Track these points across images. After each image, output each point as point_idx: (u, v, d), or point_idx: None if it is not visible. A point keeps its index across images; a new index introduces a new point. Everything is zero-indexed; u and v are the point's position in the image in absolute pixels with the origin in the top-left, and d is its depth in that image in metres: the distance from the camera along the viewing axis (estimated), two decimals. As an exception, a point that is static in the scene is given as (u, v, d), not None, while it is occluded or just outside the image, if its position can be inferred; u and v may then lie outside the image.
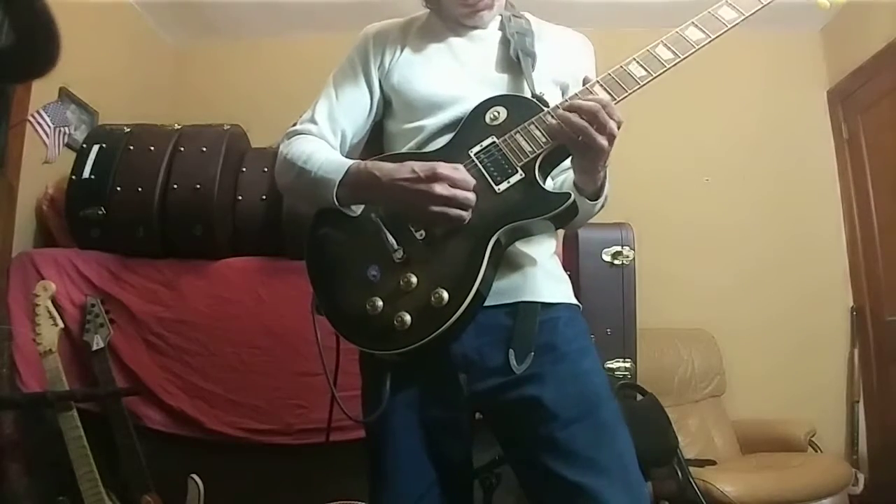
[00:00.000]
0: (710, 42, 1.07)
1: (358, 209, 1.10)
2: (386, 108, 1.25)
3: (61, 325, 1.94)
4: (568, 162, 1.13)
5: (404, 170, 1.02)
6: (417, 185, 1.00)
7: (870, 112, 3.23)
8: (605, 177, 1.07)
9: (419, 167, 1.01)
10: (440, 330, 0.98)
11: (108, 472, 1.88)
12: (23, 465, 1.97)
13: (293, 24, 3.56)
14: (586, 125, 0.97)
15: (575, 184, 1.08)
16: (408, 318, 0.99)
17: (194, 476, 1.93)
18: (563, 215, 1.02)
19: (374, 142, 1.27)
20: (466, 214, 1.01)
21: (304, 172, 1.11)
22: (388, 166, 1.05)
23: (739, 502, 2.30)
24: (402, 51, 1.23)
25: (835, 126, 3.48)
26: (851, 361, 3.24)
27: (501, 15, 1.25)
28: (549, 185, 1.10)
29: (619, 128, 0.99)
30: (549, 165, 1.08)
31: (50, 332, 1.91)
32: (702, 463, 2.56)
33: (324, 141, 1.18)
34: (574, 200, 1.02)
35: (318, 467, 1.96)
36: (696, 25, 1.08)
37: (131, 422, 1.97)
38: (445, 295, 0.99)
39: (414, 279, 1.01)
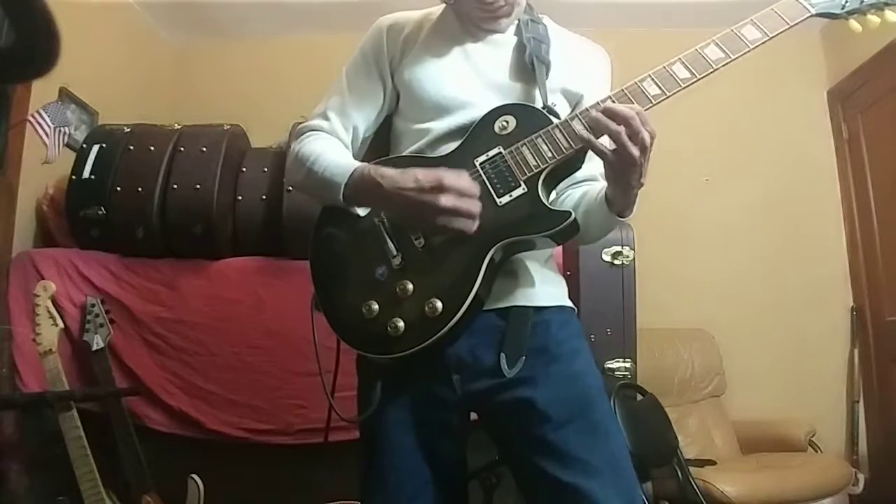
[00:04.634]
0: (731, 62, 1.04)
1: (365, 210, 1.10)
2: (396, 103, 1.22)
3: (61, 325, 1.94)
4: (579, 174, 1.13)
5: (408, 179, 0.99)
6: (422, 196, 0.97)
7: (870, 112, 3.23)
8: (636, 194, 1.03)
9: (423, 176, 0.98)
10: (431, 340, 0.99)
11: (108, 472, 1.88)
12: (23, 465, 1.97)
13: (293, 24, 3.56)
14: (619, 130, 0.95)
15: (606, 196, 1.05)
16: (401, 324, 1.00)
17: (194, 476, 1.93)
18: (562, 233, 1.01)
19: (381, 137, 1.25)
20: (472, 225, 0.99)
21: (312, 173, 1.11)
22: (391, 173, 1.02)
23: (739, 502, 2.30)
24: (415, 47, 1.19)
25: (835, 126, 3.48)
26: (851, 361, 3.24)
27: (519, 19, 1.20)
28: (553, 197, 1.09)
29: (652, 140, 0.96)
30: (553, 181, 1.07)
31: (50, 332, 1.91)
32: (702, 463, 2.56)
33: (334, 138, 1.18)
34: (575, 219, 1.00)
35: (318, 467, 1.96)
36: (717, 44, 1.05)
37: (131, 422, 1.97)
38: (439, 305, 0.99)
39: (410, 286, 1.02)
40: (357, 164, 1.09)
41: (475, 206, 0.98)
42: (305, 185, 1.15)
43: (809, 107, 3.51)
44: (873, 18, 1.09)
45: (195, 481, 1.92)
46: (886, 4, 1.08)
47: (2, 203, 2.28)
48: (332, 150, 1.14)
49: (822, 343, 3.26)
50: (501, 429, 1.10)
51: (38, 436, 1.99)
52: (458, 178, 0.98)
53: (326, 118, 1.19)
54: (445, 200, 0.96)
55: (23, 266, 2.15)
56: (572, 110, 1.19)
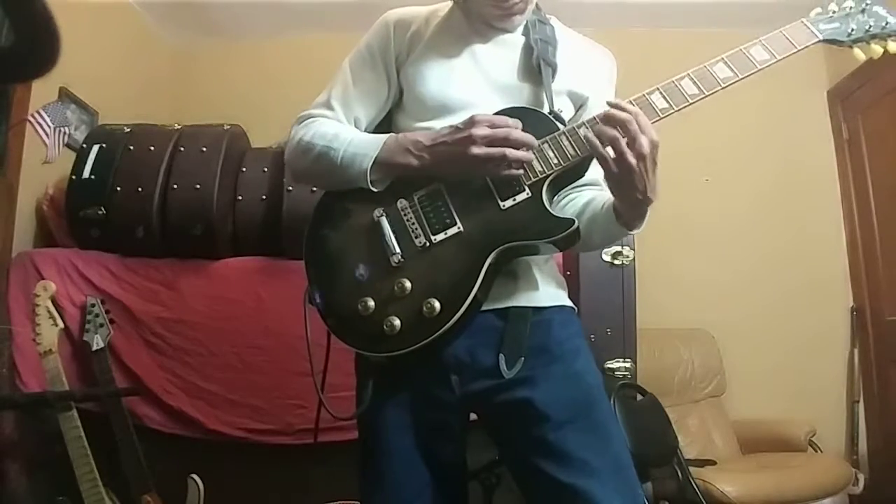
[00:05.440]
0: (738, 81, 1.05)
1: (381, 187, 1.09)
2: (399, 99, 1.22)
3: (61, 325, 1.94)
4: (583, 179, 1.12)
5: (445, 129, 1.04)
6: (457, 135, 1.01)
7: (870, 112, 3.23)
8: (646, 210, 1.03)
9: (459, 122, 1.03)
10: (428, 340, 0.99)
11: (108, 472, 1.88)
12: (23, 465, 1.97)
13: (293, 24, 3.56)
14: (616, 135, 0.95)
15: (614, 206, 1.05)
16: (397, 322, 1.00)
17: (194, 476, 1.93)
18: (564, 240, 1.01)
19: (381, 133, 1.23)
20: (512, 153, 1.00)
21: (330, 152, 1.08)
22: (428, 132, 1.07)
23: (739, 502, 2.30)
24: (421, 44, 1.18)
25: (835, 126, 3.48)
26: (851, 361, 3.24)
27: (527, 19, 1.19)
28: (554, 200, 1.09)
29: (654, 148, 0.96)
30: (557, 187, 1.07)
31: (50, 332, 1.92)
32: (702, 463, 2.56)
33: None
34: (578, 227, 1.01)
35: (318, 467, 1.96)
36: (726, 62, 1.06)
37: (131, 422, 1.97)
38: (437, 305, 0.99)
39: (408, 285, 1.01)
40: (385, 135, 1.10)
41: (511, 133, 1.00)
42: (316, 166, 1.12)
43: (809, 107, 3.51)
44: (876, 48, 1.12)
45: (195, 481, 1.92)
46: (890, 35, 1.10)
47: (2, 203, 2.27)
48: (349, 130, 1.13)
49: (822, 343, 3.26)
50: (501, 429, 1.10)
51: (38, 436, 1.98)
52: (491, 115, 1.02)
53: (330, 107, 1.17)
54: (479, 130, 0.99)
55: (23, 266, 2.15)
56: (576, 112, 1.19)
